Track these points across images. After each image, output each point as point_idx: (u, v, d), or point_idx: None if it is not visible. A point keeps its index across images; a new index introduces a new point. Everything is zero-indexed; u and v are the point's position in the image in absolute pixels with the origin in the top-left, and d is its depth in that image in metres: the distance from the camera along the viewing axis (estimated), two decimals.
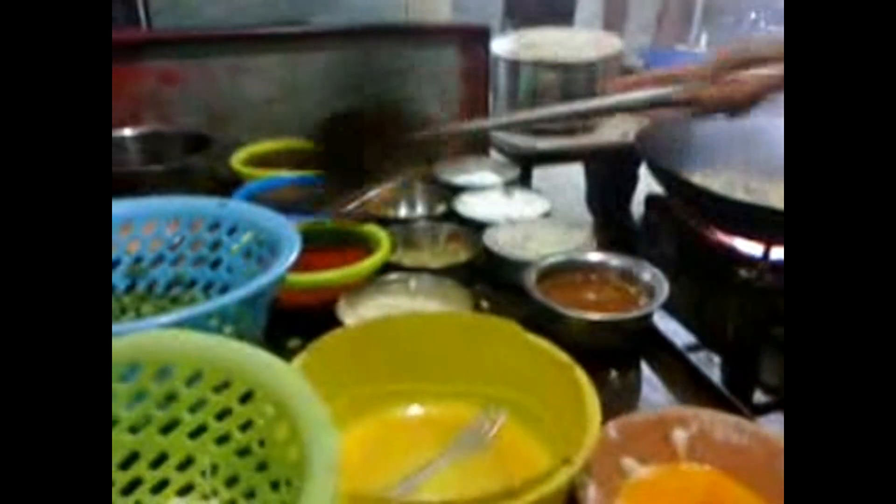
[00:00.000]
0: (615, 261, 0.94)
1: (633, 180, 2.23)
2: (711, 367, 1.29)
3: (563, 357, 0.65)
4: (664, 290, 0.86)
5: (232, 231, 0.86)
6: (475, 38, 1.41)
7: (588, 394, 0.60)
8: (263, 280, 0.68)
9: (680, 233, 1.41)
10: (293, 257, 0.72)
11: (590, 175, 2.39)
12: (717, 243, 1.31)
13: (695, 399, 0.77)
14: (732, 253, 1.28)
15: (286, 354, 0.69)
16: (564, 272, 0.94)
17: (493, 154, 1.62)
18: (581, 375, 0.62)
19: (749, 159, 1.41)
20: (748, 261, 1.25)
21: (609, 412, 0.61)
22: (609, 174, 2.27)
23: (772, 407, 1.32)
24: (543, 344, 0.68)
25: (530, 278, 0.89)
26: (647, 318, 0.86)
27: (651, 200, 1.54)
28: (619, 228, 2.18)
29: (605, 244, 1.04)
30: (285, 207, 1.14)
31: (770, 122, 1.37)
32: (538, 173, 1.83)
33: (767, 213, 1.14)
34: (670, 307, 1.56)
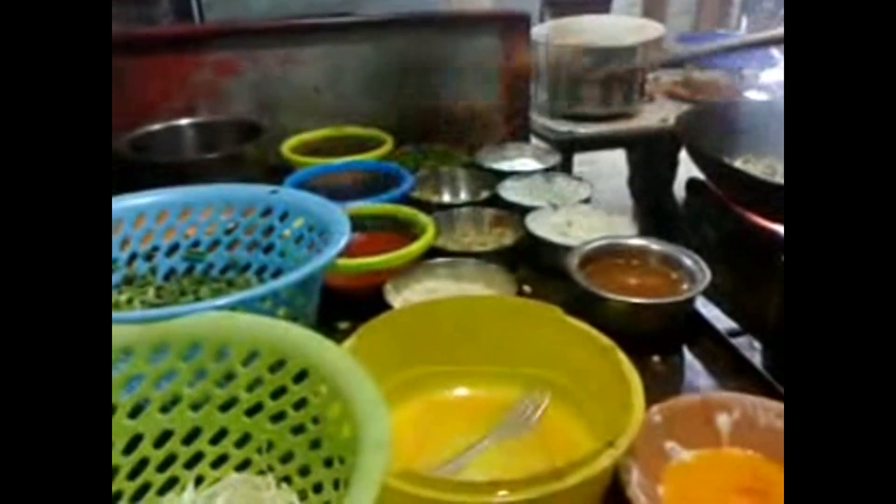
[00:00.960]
0: (656, 245, 0.94)
1: (673, 165, 2.20)
2: (753, 352, 1.28)
3: (606, 340, 0.67)
4: (706, 275, 0.87)
5: (284, 217, 0.89)
6: (516, 25, 1.41)
7: (631, 377, 0.61)
8: (315, 264, 0.70)
9: (721, 217, 1.40)
10: (343, 243, 0.74)
11: (631, 160, 2.37)
12: (759, 228, 1.30)
13: (738, 384, 0.78)
14: (774, 237, 1.27)
15: (336, 336, 0.72)
16: (606, 256, 0.94)
17: (534, 140, 1.62)
18: (623, 359, 0.64)
19: None
20: None
21: (652, 396, 0.62)
22: (649, 159, 2.25)
23: None
24: (586, 328, 0.69)
25: (572, 262, 0.90)
26: (690, 302, 0.86)
27: (692, 185, 1.52)
28: (661, 214, 2.16)
29: (646, 230, 1.04)
30: (334, 193, 1.18)
31: None
32: (582, 158, 1.83)
33: None
34: (711, 292, 1.56)
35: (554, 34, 1.77)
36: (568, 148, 1.71)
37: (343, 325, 0.89)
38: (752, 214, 1.31)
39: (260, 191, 0.91)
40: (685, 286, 0.88)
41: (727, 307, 1.49)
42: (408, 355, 0.72)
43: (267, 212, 0.90)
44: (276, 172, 1.16)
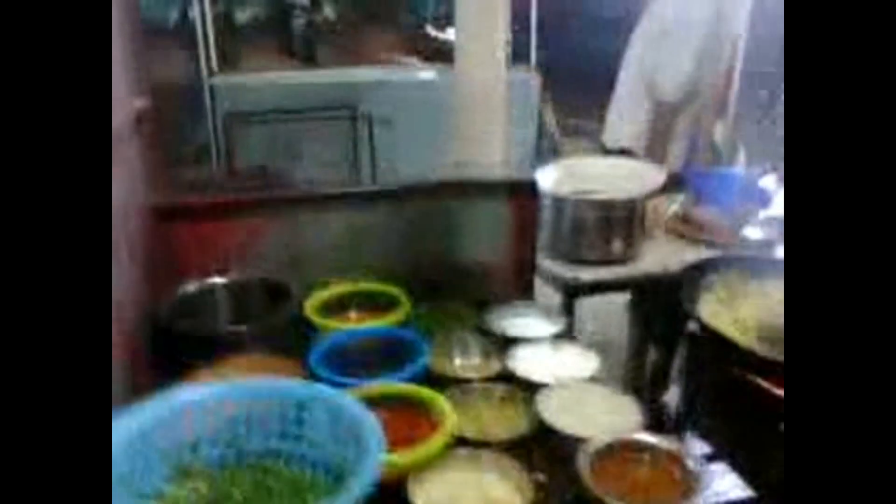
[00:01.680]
0: (664, 443, 1.02)
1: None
2: None
3: None
4: (707, 478, 0.94)
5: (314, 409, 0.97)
6: (523, 190, 1.54)
7: None
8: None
9: (718, 375, 1.47)
10: (369, 480, 0.81)
11: (634, 307, 2.45)
12: (759, 389, 1.37)
13: None
14: (773, 399, 1.34)
15: None
16: (616, 451, 1.02)
17: (539, 296, 1.69)
18: None
19: None
20: None
21: None
22: (653, 308, 2.33)
23: None
24: None
25: (584, 462, 0.98)
26: None
27: (691, 338, 1.61)
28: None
29: (649, 414, 1.12)
30: (356, 359, 1.27)
31: None
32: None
33: None
34: (721, 454, 1.62)
35: (557, 179, 1.90)
36: (572, 293, 1.81)
37: None
38: (750, 376, 1.38)
39: (294, 386, 1.00)
40: (690, 484, 0.95)
41: (732, 463, 1.56)
42: None
43: (301, 405, 0.98)
44: (305, 338, 1.26)
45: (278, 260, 1.46)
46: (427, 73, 4.36)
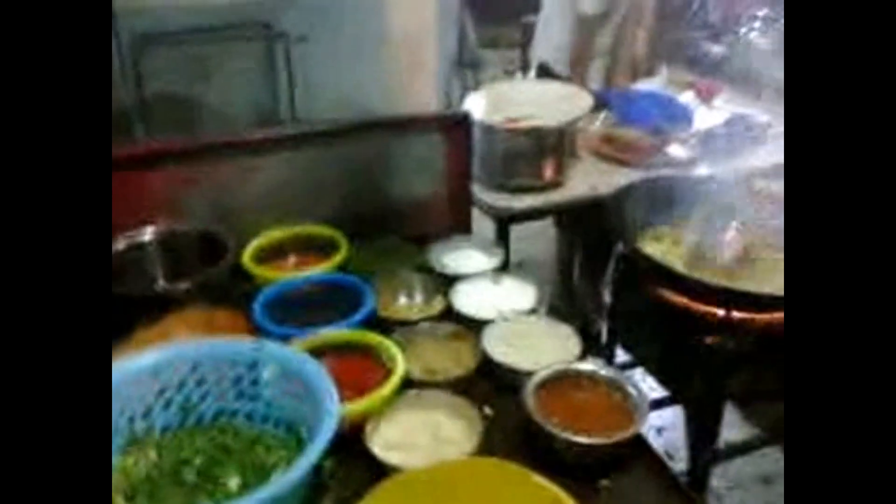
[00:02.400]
0: (603, 371, 1.09)
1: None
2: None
3: (562, 495, 0.81)
4: (646, 402, 1.02)
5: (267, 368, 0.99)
6: (457, 125, 1.53)
7: None
8: (303, 467, 0.80)
9: (645, 293, 1.55)
10: (328, 439, 0.84)
11: (562, 229, 2.51)
12: (684, 308, 1.46)
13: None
14: (694, 317, 1.44)
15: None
16: (558, 381, 1.08)
17: (476, 224, 1.71)
18: None
19: None
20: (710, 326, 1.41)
21: None
22: (580, 234, 2.40)
23: None
24: (546, 485, 0.83)
25: (527, 392, 1.03)
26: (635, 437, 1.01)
27: (619, 258, 1.69)
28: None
29: (585, 335, 1.19)
30: (299, 306, 1.28)
31: None
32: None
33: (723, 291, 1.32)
34: (643, 362, 1.73)
35: (487, 109, 1.89)
36: (506, 221, 1.85)
37: (328, 464, 0.99)
38: (673, 295, 1.47)
39: (245, 347, 1.00)
40: (630, 406, 1.03)
41: (656, 375, 1.68)
42: None
43: (253, 365, 0.99)
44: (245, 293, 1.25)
45: (209, 210, 1.42)
46: None
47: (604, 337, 1.79)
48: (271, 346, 1.01)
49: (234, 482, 0.91)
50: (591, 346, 1.22)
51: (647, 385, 1.66)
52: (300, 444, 0.94)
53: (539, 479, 0.84)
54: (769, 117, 2.28)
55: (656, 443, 1.94)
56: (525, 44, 3.02)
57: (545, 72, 2.62)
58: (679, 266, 1.47)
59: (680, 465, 2.13)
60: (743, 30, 2.42)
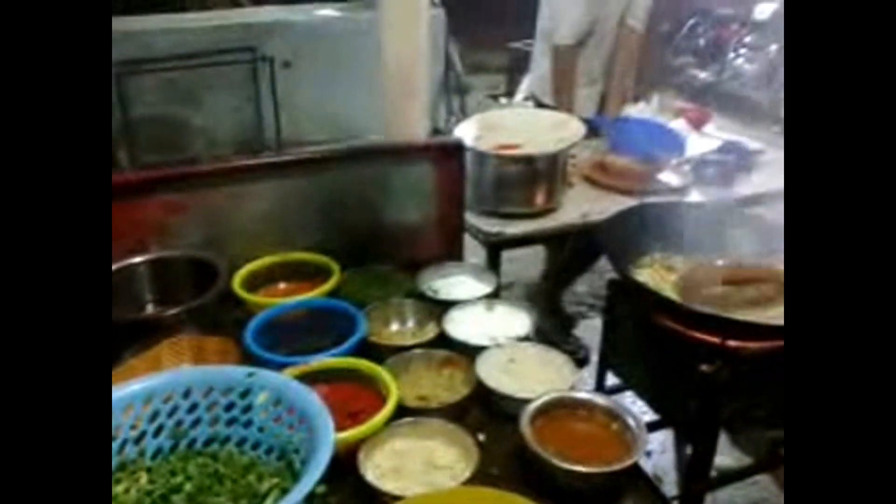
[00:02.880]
0: (600, 399, 1.09)
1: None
2: None
3: None
4: (643, 435, 1.01)
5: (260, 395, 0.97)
6: (449, 154, 1.54)
7: None
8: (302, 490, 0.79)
9: (639, 320, 1.56)
10: (324, 466, 0.83)
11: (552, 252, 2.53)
12: (675, 333, 1.46)
13: None
14: (689, 345, 1.44)
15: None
16: (555, 409, 1.08)
17: (466, 245, 1.71)
18: None
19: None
20: (705, 353, 1.41)
21: None
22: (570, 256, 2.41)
23: None
24: None
25: (524, 421, 1.03)
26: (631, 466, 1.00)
27: (612, 285, 1.69)
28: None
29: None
30: (290, 334, 1.27)
31: None
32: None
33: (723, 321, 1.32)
34: (635, 387, 1.72)
35: (477, 136, 1.91)
36: (497, 246, 1.85)
37: (319, 490, 0.97)
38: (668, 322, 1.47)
39: (238, 373, 0.99)
40: (627, 437, 1.02)
41: (648, 400, 1.67)
42: None
43: (246, 392, 0.98)
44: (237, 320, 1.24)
45: (200, 237, 1.41)
46: (327, 11, 4.19)
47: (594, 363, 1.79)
48: (265, 374, 1.00)
49: None
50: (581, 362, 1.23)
51: (637, 408, 1.66)
52: (292, 472, 0.94)
53: None
54: (761, 144, 2.31)
55: (646, 466, 1.93)
56: (511, 69, 3.06)
57: (536, 102, 2.66)
58: (670, 292, 1.48)
59: (668, 488, 2.14)
60: (730, 55, 2.47)
